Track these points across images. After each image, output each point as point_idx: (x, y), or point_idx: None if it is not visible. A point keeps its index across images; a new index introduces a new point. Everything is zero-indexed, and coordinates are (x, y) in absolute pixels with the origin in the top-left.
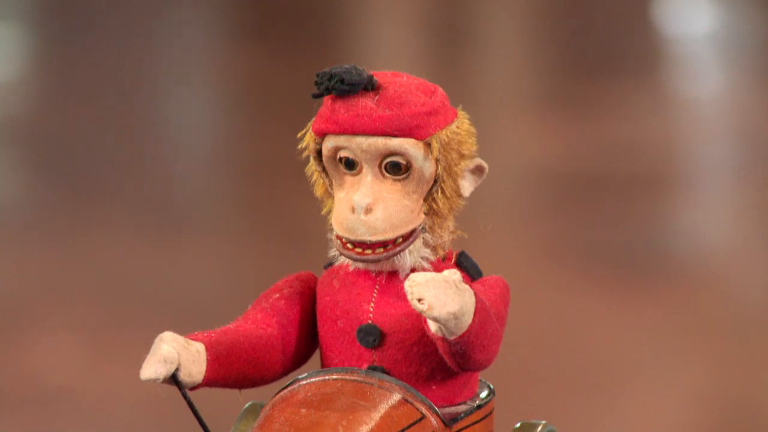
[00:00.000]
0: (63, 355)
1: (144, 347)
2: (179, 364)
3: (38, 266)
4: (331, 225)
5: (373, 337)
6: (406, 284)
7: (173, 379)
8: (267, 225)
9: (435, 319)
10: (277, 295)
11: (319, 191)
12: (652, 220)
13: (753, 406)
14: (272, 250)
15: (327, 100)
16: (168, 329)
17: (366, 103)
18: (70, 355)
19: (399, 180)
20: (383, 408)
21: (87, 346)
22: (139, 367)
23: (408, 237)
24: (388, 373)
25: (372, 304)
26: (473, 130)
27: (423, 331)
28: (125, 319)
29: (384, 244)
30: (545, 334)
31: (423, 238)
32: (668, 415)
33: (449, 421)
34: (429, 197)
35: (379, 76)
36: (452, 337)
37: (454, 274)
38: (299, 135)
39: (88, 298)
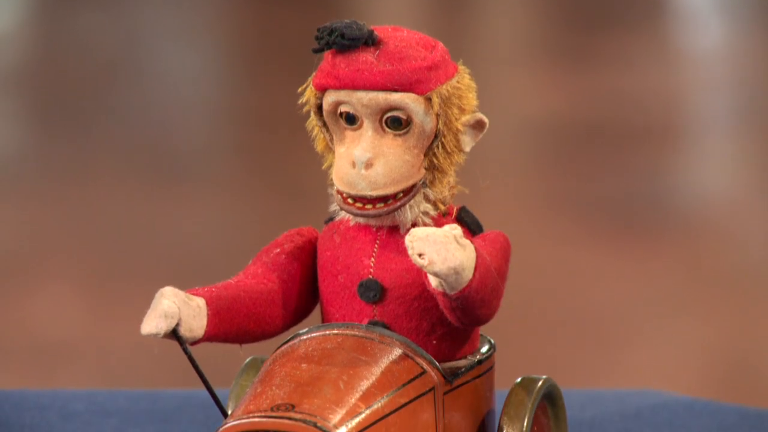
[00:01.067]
0: (62, 306)
1: (143, 299)
2: (180, 319)
3: (36, 218)
4: (331, 180)
5: (373, 292)
6: (407, 239)
7: (174, 334)
8: (268, 176)
9: (435, 274)
10: (278, 250)
11: (319, 146)
12: (652, 172)
13: (755, 358)
14: (273, 201)
15: (328, 55)
16: (168, 281)
17: (366, 58)
18: (69, 306)
19: (399, 135)
20: (384, 363)
21: (86, 297)
22: (138, 318)
23: (408, 192)
24: (388, 328)
25: (372, 259)
26: (473, 84)
27: (423, 286)
28: (124, 270)
29: (384, 199)
30: (546, 288)
31: (423, 193)
32: (670, 368)
33: (450, 375)
34: (429, 152)
35: (380, 31)
36: (453, 292)
37: (454, 229)
38: (300, 90)
39: (87, 250)
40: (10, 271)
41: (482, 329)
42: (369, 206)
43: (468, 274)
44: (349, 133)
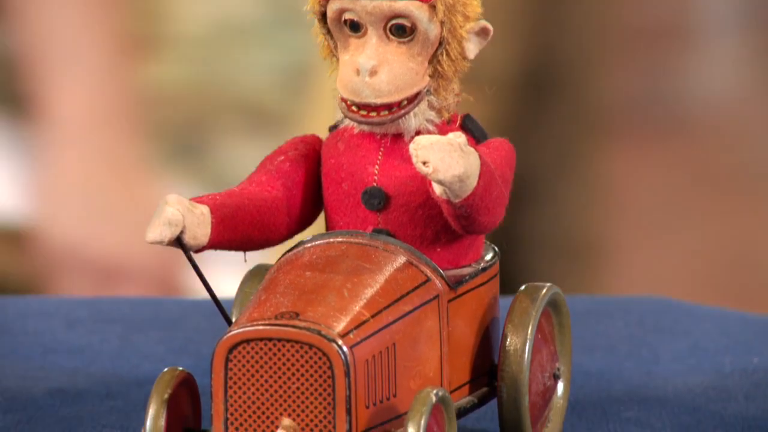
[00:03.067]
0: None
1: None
2: (184, 227)
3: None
4: (335, 87)
5: (377, 199)
6: (411, 147)
7: (178, 241)
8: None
9: (440, 182)
10: (282, 158)
11: (323, 54)
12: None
13: (761, 263)
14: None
15: None
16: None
17: None
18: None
19: (404, 42)
20: (388, 271)
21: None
22: (142, 215)
23: (413, 99)
24: (392, 236)
25: (377, 167)
26: None
27: (428, 194)
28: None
29: (389, 107)
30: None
31: (428, 100)
32: (674, 273)
33: (454, 283)
34: (434, 60)
35: None
36: (457, 200)
37: (459, 137)
38: None
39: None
40: None
41: (486, 237)
42: (373, 114)
43: (472, 181)
44: (353, 41)
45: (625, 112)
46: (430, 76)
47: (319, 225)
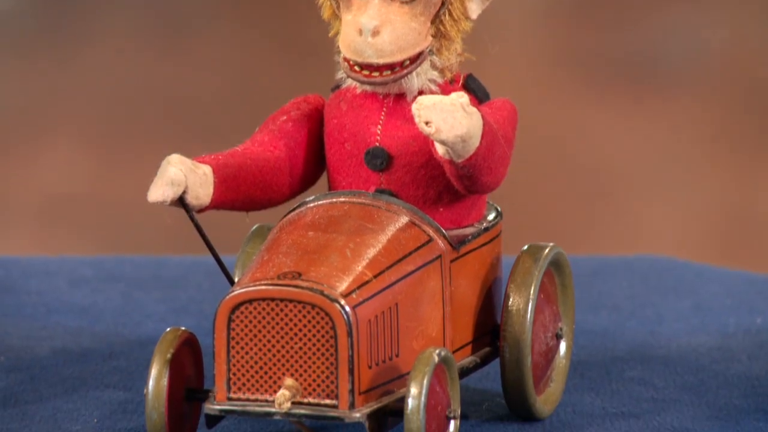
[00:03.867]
0: (68, 165)
1: (149, 157)
2: (186, 187)
3: (43, 76)
4: (338, 47)
5: (380, 159)
6: (414, 107)
7: (180, 201)
8: (276, 34)
9: (442, 142)
10: (285, 118)
11: (326, 14)
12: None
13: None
14: (281, 60)
15: None
16: (173, 139)
17: None
18: (76, 165)
19: (406, 2)
20: (390, 231)
21: (92, 156)
22: (145, 176)
23: (415, 59)
24: (395, 196)
25: (379, 127)
26: None
27: (430, 154)
28: (130, 129)
29: (391, 67)
30: (554, 153)
31: (430, 60)
32: (676, 227)
33: (456, 243)
34: (436, 19)
35: None
36: (459, 160)
37: (461, 97)
38: None
39: (92, 108)
40: (18, 128)
41: (489, 196)
42: (376, 74)
43: (475, 141)
44: (356, 1)
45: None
46: (432, 36)
47: (321, 185)
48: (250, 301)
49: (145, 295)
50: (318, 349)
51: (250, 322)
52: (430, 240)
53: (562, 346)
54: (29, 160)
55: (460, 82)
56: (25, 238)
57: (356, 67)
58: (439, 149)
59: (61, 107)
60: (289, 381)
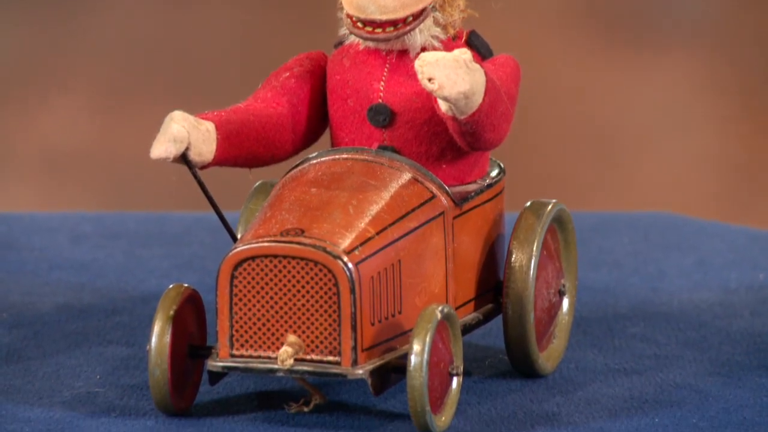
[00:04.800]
0: (72, 120)
1: (152, 113)
2: (189, 144)
3: (47, 29)
4: (341, 4)
5: (383, 116)
6: (417, 63)
7: (183, 158)
8: None
9: (445, 99)
10: (287, 74)
11: None
12: None
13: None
14: (285, 16)
15: None
16: (177, 95)
17: None
18: (79, 120)
19: None
20: (393, 187)
21: (95, 111)
22: (148, 132)
23: (418, 16)
24: (398, 153)
25: (382, 84)
26: None
27: (433, 111)
28: (134, 84)
29: (394, 23)
30: (557, 109)
31: (433, 17)
32: (679, 183)
33: (459, 200)
34: None
35: None
36: (462, 117)
37: (464, 54)
38: None
39: (97, 63)
40: (20, 82)
41: (492, 153)
42: (378, 30)
43: (478, 98)
44: None
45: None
46: None
47: (324, 141)
48: (253, 258)
49: (147, 251)
50: (321, 306)
51: (253, 278)
52: (433, 197)
53: (565, 303)
54: (32, 115)
55: (463, 38)
56: (27, 193)
57: (359, 24)
58: (442, 106)
59: (65, 62)
60: (291, 338)
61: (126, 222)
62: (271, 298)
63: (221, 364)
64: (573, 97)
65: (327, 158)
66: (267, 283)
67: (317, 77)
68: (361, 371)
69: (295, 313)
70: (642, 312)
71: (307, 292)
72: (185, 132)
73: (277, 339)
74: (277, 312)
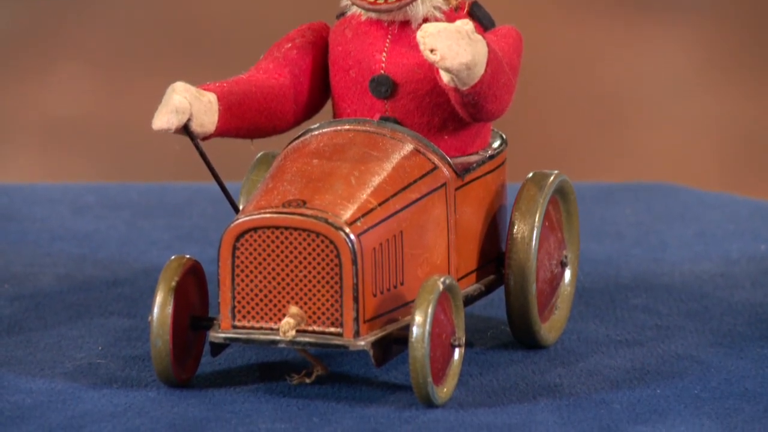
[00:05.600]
0: (75, 87)
1: (154, 83)
2: (191, 115)
3: None
4: None
5: (385, 87)
6: (419, 34)
7: (185, 129)
8: None
9: (447, 70)
10: (289, 45)
11: None
12: None
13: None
14: None
15: None
16: (179, 65)
17: None
18: (83, 87)
19: None
20: (395, 159)
21: (97, 78)
22: (150, 102)
23: None
24: (400, 124)
25: (384, 54)
26: None
27: (435, 82)
28: (137, 54)
29: None
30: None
31: None
32: (681, 154)
33: (461, 171)
34: None
35: None
36: (464, 88)
37: (466, 25)
38: None
39: (99, 33)
40: (23, 48)
41: (494, 124)
42: (381, 1)
43: (480, 69)
44: None
45: None
46: None
47: (326, 112)
48: (254, 229)
49: (149, 222)
50: (323, 278)
51: (255, 250)
52: (435, 168)
53: (567, 274)
54: (34, 84)
55: (465, 9)
56: (29, 163)
57: None
58: (444, 77)
59: (68, 30)
60: (293, 309)
61: (128, 193)
62: (273, 269)
63: (223, 335)
64: (575, 69)
65: (329, 129)
66: (269, 255)
67: (319, 48)
68: (362, 342)
69: (297, 285)
70: (644, 283)
71: (309, 263)
72: (187, 103)
73: (279, 310)
74: (279, 283)
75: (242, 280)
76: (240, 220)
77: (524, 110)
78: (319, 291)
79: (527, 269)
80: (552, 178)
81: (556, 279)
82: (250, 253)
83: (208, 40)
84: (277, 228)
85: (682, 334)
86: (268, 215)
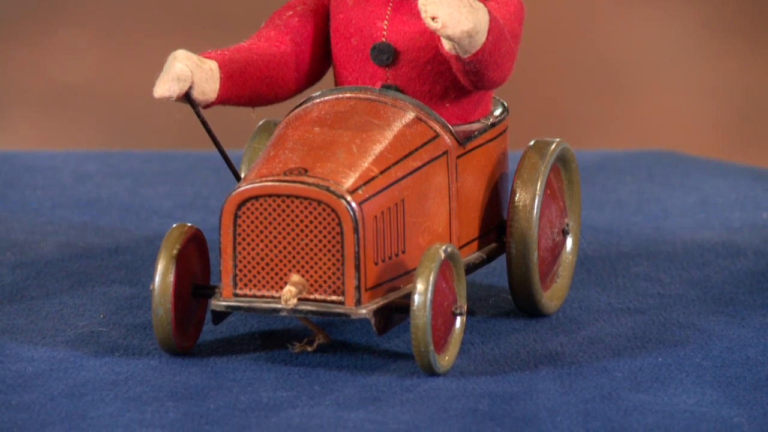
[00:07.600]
0: (78, 53)
1: (156, 49)
2: (192, 83)
3: None
4: None
5: (386, 55)
6: (420, 2)
7: (186, 97)
8: None
9: (449, 38)
10: (291, 13)
11: None
12: None
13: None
14: None
15: None
16: (181, 32)
17: None
18: (85, 53)
19: None
20: (397, 127)
21: (99, 45)
22: (152, 69)
23: None
24: (401, 92)
25: (385, 22)
26: None
27: (437, 50)
28: (139, 21)
29: None
30: (560, 48)
31: None
32: (682, 121)
33: (463, 139)
34: None
35: None
36: (466, 56)
37: None
38: None
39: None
40: (26, 14)
41: (496, 92)
42: None
43: (481, 37)
44: None
45: None
46: None
47: (327, 80)
48: (256, 198)
49: (151, 190)
50: (324, 246)
51: (257, 218)
52: (437, 136)
53: (569, 242)
54: (36, 51)
55: None
56: (30, 131)
57: None
58: (446, 45)
59: None
60: (295, 277)
61: (130, 160)
62: (275, 237)
63: (225, 303)
64: (577, 36)
65: (330, 97)
66: (270, 223)
67: (320, 16)
68: (364, 311)
69: (298, 253)
70: (645, 251)
71: (311, 231)
72: (188, 71)
73: (281, 279)
74: (280, 252)
75: (244, 249)
76: (241, 189)
77: (525, 78)
78: (320, 259)
79: (529, 237)
80: (553, 146)
81: (558, 247)
82: (252, 222)
83: (210, 8)
84: (278, 196)
85: (684, 302)
86: (269, 183)
